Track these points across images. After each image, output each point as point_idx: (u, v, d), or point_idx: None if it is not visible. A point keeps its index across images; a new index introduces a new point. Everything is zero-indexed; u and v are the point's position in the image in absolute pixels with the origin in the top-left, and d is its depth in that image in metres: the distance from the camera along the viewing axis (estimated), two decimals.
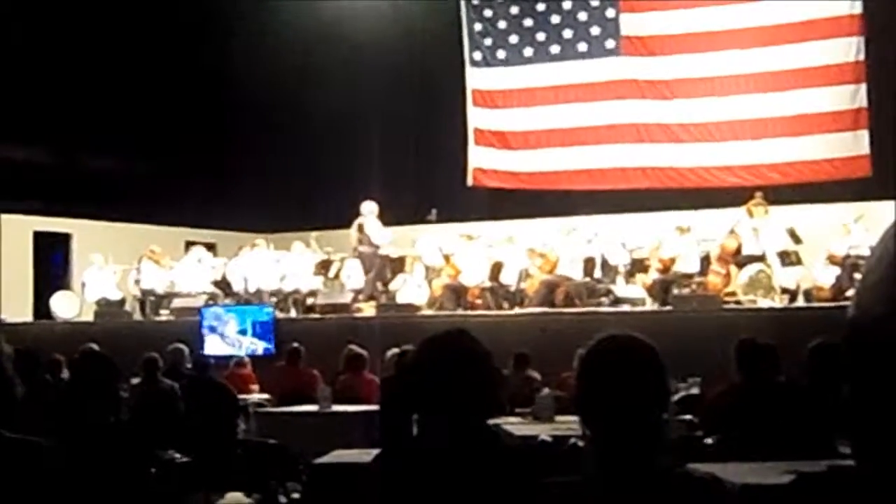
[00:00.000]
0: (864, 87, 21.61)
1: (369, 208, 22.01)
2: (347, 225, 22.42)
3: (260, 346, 19.62)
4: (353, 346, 14.97)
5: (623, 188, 23.44)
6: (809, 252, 20.00)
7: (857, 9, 21.73)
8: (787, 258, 19.60)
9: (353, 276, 22.63)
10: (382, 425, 11.44)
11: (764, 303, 18.82)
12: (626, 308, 19.84)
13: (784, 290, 19.55)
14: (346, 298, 21.75)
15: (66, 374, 13.15)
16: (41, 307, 24.31)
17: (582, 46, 24.25)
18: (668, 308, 18.69)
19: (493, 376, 3.81)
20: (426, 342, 3.78)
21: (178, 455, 8.96)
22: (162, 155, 26.49)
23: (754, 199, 20.43)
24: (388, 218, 22.24)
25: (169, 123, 25.90)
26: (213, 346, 19.56)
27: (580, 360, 3.34)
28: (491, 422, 3.78)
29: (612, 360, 3.23)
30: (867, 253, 17.06)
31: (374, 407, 12.56)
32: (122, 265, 23.98)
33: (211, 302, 22.32)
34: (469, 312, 20.44)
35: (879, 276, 1.26)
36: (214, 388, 12.84)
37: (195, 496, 10.25)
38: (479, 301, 21.40)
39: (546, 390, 12.67)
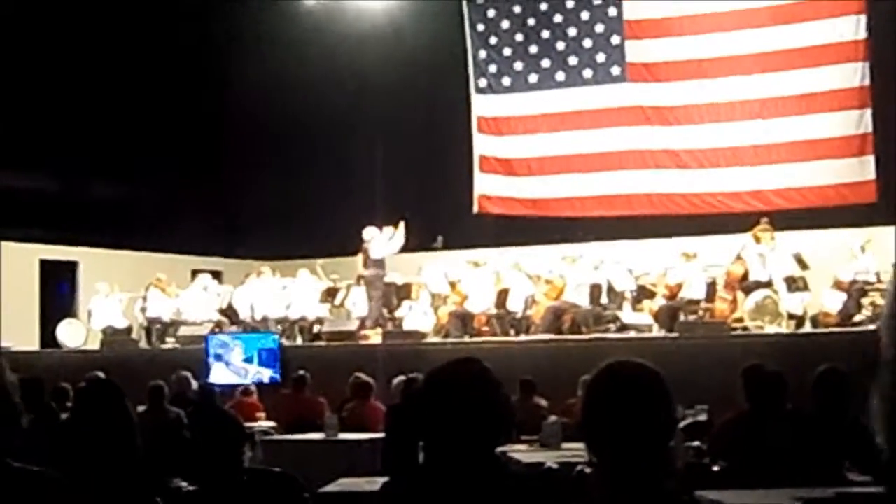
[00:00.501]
0: (869, 112, 21.59)
1: (371, 234, 22.01)
2: (353, 253, 22.43)
3: (266, 374, 19.58)
4: (360, 374, 14.94)
5: (629, 214, 23.42)
6: (816, 278, 19.97)
7: (862, 34, 21.73)
8: (794, 284, 19.58)
9: (359, 303, 22.64)
10: (388, 453, 11.41)
11: (771, 329, 18.79)
12: (632, 335, 19.82)
13: (791, 316, 19.52)
14: (352, 326, 21.75)
15: (71, 402, 13.12)
16: (47, 335, 24.32)
17: (587, 73, 24.27)
18: (675, 335, 18.64)
19: (504, 406, 3.80)
20: (437, 371, 3.77)
21: (184, 483, 8.93)
22: (168, 183, 26.52)
23: (760, 225, 20.42)
24: None
25: (175, 151, 25.93)
26: (219, 375, 19.54)
27: (586, 387, 3.33)
28: (497, 449, 3.77)
29: (619, 387, 3.21)
30: (874, 279, 17.06)
31: (381, 435, 12.54)
32: (128, 293, 24.00)
33: (217, 330, 22.32)
34: (475, 339, 20.42)
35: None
36: (220, 416, 12.81)
37: None
38: (485, 328, 21.37)
39: (553, 417, 12.66)
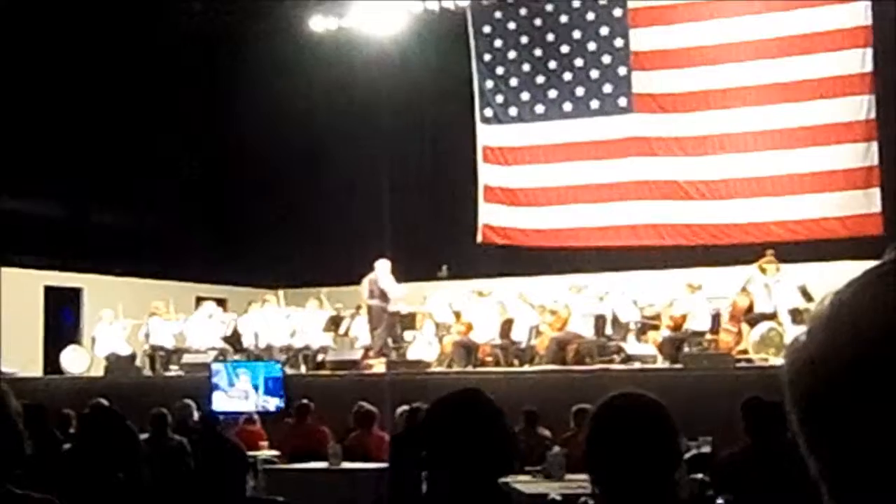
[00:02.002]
0: (875, 144, 21.62)
1: (383, 264, 21.97)
2: (358, 282, 22.39)
3: (270, 403, 19.53)
4: (363, 403, 14.94)
5: (634, 245, 23.43)
6: None
7: (868, 67, 21.78)
8: (799, 316, 19.52)
9: (363, 332, 22.61)
10: (392, 482, 11.40)
11: (776, 361, 18.74)
12: (636, 366, 19.77)
13: None
14: (356, 355, 21.72)
15: (75, 429, 13.12)
16: (51, 362, 24.30)
17: (594, 104, 24.32)
18: (679, 366, 18.58)
19: (506, 436, 3.79)
20: (440, 401, 3.77)
21: None
22: (173, 210, 26.57)
23: (766, 257, 20.39)
24: (399, 274, 22.17)
25: (180, 178, 25.98)
26: (223, 402, 19.47)
27: (590, 418, 3.32)
28: (501, 480, 3.76)
29: (622, 419, 3.21)
30: None
31: (384, 464, 12.53)
32: (132, 320, 23.97)
33: (221, 358, 22.28)
34: (479, 369, 20.38)
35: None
36: (223, 445, 12.79)
37: None
38: (489, 358, 21.33)
39: (556, 448, 12.63)
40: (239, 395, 19.52)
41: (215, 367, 20.58)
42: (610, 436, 3.20)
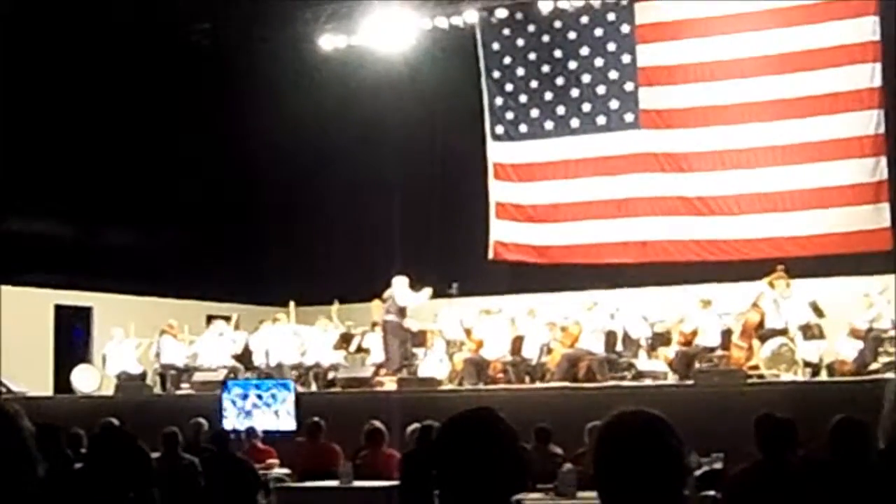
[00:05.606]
0: (884, 159, 21.57)
1: (400, 281, 21.92)
2: (369, 299, 22.43)
3: (282, 421, 19.53)
4: (374, 421, 14.93)
5: (643, 261, 23.39)
6: (832, 326, 19.91)
7: (877, 82, 21.75)
8: (810, 332, 19.53)
9: (374, 349, 22.61)
10: (403, 501, 11.39)
11: (787, 377, 18.72)
12: (648, 382, 19.77)
13: (807, 364, 19.44)
14: (367, 373, 21.73)
15: (86, 448, 13.12)
16: (62, 381, 24.32)
17: (601, 120, 24.31)
18: (691, 382, 18.56)
19: (519, 455, 3.79)
20: (452, 419, 3.77)
21: None
22: (183, 228, 26.60)
23: (776, 273, 20.38)
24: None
25: (190, 197, 26.01)
26: (234, 421, 19.46)
27: (597, 436, 3.32)
28: (513, 498, 3.76)
29: (627, 437, 3.21)
30: (889, 326, 16.92)
31: (395, 482, 12.53)
32: (143, 338, 23.99)
33: (231, 376, 22.29)
34: (490, 387, 20.38)
35: None
36: (235, 463, 12.80)
37: None
38: (500, 375, 21.32)
39: (568, 465, 12.62)
40: (252, 413, 19.51)
41: (233, 384, 20.58)
42: (616, 453, 3.20)
